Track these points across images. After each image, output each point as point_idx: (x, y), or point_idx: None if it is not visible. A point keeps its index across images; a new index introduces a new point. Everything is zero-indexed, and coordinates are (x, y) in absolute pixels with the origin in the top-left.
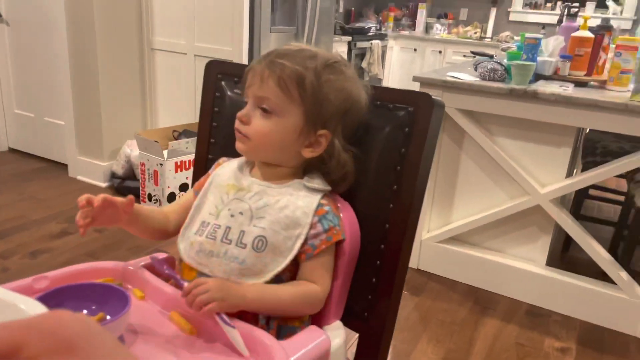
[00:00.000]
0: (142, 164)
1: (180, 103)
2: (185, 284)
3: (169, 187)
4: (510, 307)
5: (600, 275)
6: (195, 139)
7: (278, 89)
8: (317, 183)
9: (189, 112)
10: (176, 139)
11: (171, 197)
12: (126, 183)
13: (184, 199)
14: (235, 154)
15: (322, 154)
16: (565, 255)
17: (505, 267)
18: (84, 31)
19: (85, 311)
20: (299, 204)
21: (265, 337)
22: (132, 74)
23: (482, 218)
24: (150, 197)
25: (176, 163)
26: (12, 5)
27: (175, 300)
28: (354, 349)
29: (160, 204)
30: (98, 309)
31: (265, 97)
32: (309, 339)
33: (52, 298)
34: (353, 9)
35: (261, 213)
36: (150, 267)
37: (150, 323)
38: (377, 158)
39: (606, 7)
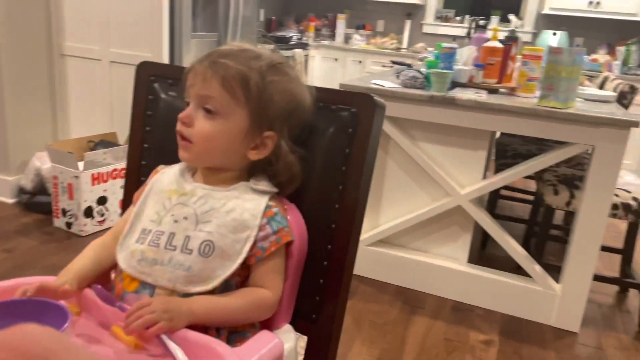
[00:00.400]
0: (55, 177)
1: (95, 112)
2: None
3: (85, 200)
4: (437, 305)
5: (516, 270)
6: (113, 149)
7: (222, 89)
8: (264, 185)
9: (104, 122)
10: (92, 150)
11: (88, 212)
12: (37, 198)
13: (120, 223)
14: (171, 160)
15: (268, 156)
16: (483, 253)
17: (430, 267)
18: None
19: None
20: (246, 206)
21: (217, 345)
22: (41, 82)
23: (408, 220)
24: (64, 212)
25: (93, 175)
26: None
27: (115, 314)
28: (302, 351)
29: (76, 219)
30: None
31: (209, 96)
32: (261, 343)
33: None
34: (274, 17)
35: (207, 217)
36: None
37: (92, 340)
38: (323, 159)
39: (508, 20)
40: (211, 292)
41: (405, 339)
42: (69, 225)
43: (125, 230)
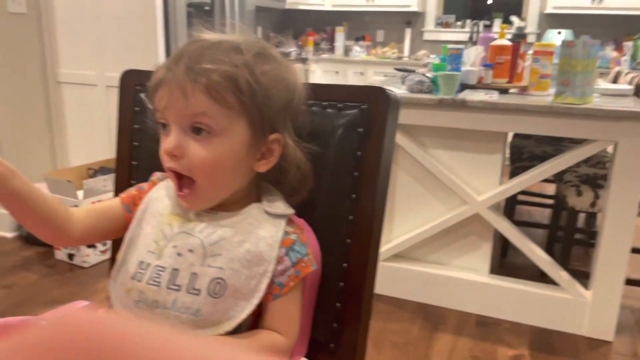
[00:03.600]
0: None
1: (93, 138)
2: None
3: None
4: (460, 320)
5: (541, 278)
6: (113, 175)
7: (211, 101)
8: (279, 207)
9: (104, 148)
10: (91, 177)
11: None
12: None
13: (102, 205)
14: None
15: (278, 161)
16: (504, 262)
17: (450, 280)
18: None
19: None
20: (261, 234)
21: None
22: (37, 110)
23: (423, 232)
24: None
25: (93, 202)
26: None
27: None
28: None
29: (78, 250)
30: None
31: (198, 114)
32: None
33: None
34: (272, 34)
35: (216, 249)
36: None
37: None
38: (331, 164)
39: (510, 22)
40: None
41: (429, 358)
42: (70, 257)
43: (118, 260)
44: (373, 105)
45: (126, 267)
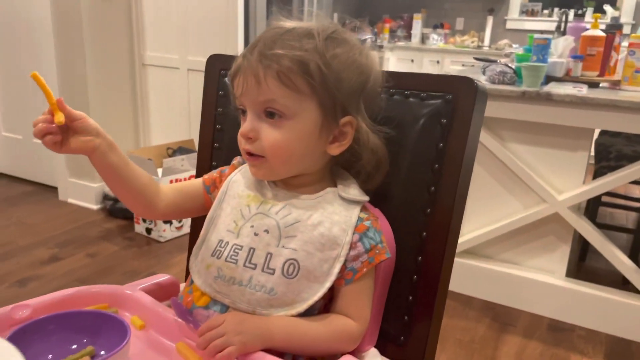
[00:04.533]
0: None
1: (173, 119)
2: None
3: None
4: (531, 323)
5: (622, 285)
6: (191, 155)
7: (283, 87)
8: (354, 193)
9: (183, 129)
10: (170, 156)
11: None
12: (119, 204)
13: (186, 184)
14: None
15: (351, 145)
16: (582, 266)
17: (523, 280)
18: (72, 49)
19: (74, 345)
20: (335, 219)
21: None
22: (123, 91)
23: (496, 229)
24: (144, 218)
25: (171, 181)
26: None
27: (182, 329)
28: None
29: (155, 225)
30: (90, 341)
31: (269, 100)
32: None
33: (34, 330)
34: (347, 21)
35: (291, 231)
36: (148, 292)
37: (154, 357)
38: (410, 156)
39: (604, 12)
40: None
41: (496, 359)
42: (148, 231)
43: (200, 237)
44: (459, 96)
45: (207, 244)
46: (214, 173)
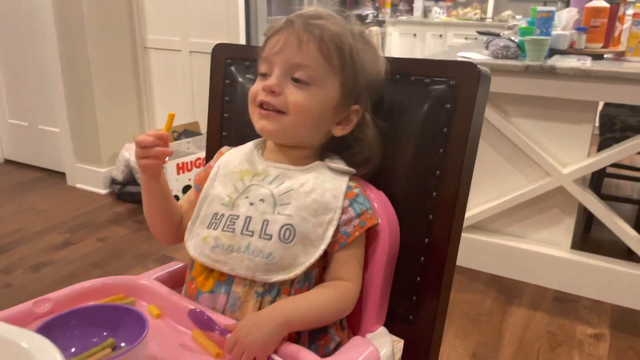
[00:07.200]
0: None
1: (177, 102)
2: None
3: (171, 190)
4: (536, 295)
5: (627, 256)
6: (196, 138)
7: (320, 55)
8: (341, 164)
9: (187, 111)
10: (176, 140)
11: None
12: (127, 188)
13: (186, 198)
14: None
15: (353, 132)
16: (587, 237)
17: (528, 253)
18: (74, 34)
19: (95, 338)
20: (326, 186)
21: (308, 356)
22: (127, 75)
23: (502, 203)
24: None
25: (178, 165)
26: None
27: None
28: (399, 355)
29: None
30: (110, 334)
31: (303, 65)
32: (355, 352)
33: (57, 325)
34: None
35: (285, 199)
36: (163, 280)
37: (171, 346)
38: (415, 140)
39: None
40: (292, 281)
41: (502, 331)
42: None
43: (193, 216)
44: (462, 82)
45: (202, 219)
46: (202, 172)
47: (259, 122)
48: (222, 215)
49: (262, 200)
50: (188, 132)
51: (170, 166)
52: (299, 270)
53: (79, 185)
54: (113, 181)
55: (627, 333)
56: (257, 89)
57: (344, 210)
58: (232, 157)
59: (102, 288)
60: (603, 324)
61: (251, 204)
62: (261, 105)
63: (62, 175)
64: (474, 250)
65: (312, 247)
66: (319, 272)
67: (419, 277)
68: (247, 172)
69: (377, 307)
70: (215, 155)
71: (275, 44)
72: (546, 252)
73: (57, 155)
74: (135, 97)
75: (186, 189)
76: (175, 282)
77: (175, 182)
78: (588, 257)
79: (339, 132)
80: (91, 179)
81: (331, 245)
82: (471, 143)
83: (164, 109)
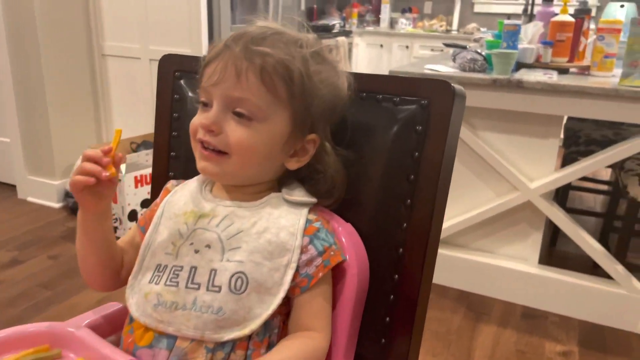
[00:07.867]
0: None
1: (137, 112)
2: None
3: (129, 204)
4: (505, 311)
5: (593, 270)
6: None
7: (262, 87)
8: (299, 194)
9: (147, 122)
10: (134, 152)
11: (132, 215)
12: None
13: (128, 236)
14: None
15: (312, 163)
16: (553, 251)
17: (496, 269)
18: (25, 39)
19: None
20: (281, 223)
21: None
22: (83, 83)
23: (470, 218)
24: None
25: (136, 177)
26: None
27: None
28: None
29: (120, 223)
30: None
31: (244, 98)
32: None
33: None
34: (315, 6)
35: (235, 242)
36: (96, 327)
37: None
38: (383, 167)
39: None
40: (249, 337)
41: (472, 350)
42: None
43: (135, 268)
44: (435, 101)
45: (144, 272)
46: (148, 213)
47: (200, 162)
48: (166, 266)
49: (208, 246)
50: (147, 142)
51: (127, 179)
52: (254, 325)
53: (30, 199)
54: (67, 194)
55: (595, 350)
56: (197, 122)
57: (303, 250)
58: (177, 197)
59: (22, 338)
60: (572, 341)
61: (196, 251)
62: (202, 143)
63: (12, 187)
64: (443, 266)
65: (268, 295)
66: (282, 319)
67: (388, 317)
68: (191, 214)
69: (343, 352)
70: (161, 193)
71: (213, 74)
72: (514, 268)
73: (7, 167)
74: (92, 106)
75: (144, 203)
76: (114, 326)
77: (133, 195)
78: (555, 272)
79: (294, 165)
80: (43, 192)
81: (292, 290)
82: (445, 168)
83: (123, 119)
